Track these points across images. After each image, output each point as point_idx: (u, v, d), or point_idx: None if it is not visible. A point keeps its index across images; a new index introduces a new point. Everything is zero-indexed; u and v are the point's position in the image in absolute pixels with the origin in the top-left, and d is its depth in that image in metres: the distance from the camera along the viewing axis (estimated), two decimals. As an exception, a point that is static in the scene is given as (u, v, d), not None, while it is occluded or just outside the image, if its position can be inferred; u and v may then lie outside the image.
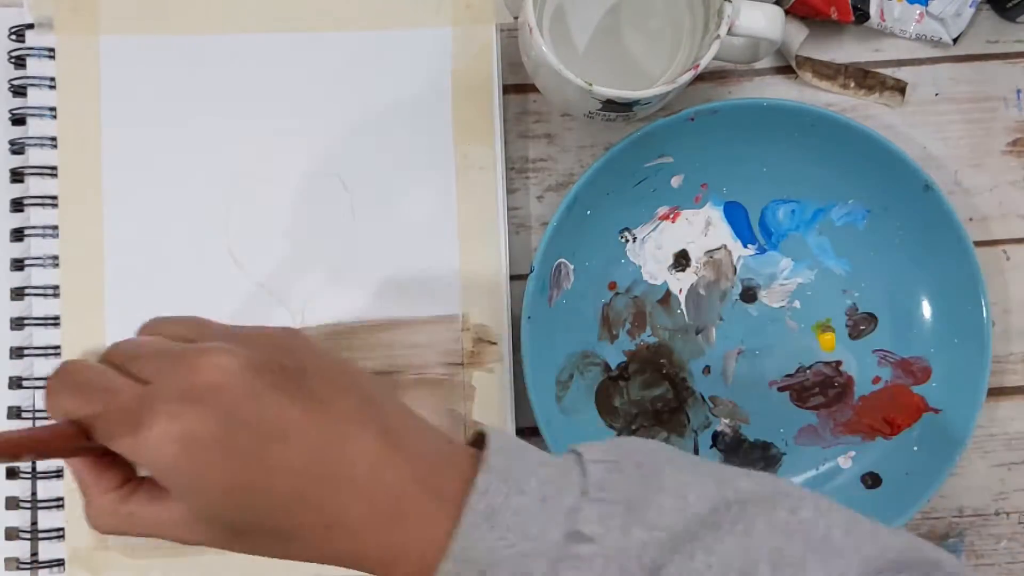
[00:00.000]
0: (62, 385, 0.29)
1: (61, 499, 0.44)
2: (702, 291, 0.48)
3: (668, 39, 0.46)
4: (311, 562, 0.30)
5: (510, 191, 0.48)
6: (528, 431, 0.45)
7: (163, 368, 0.29)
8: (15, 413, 0.45)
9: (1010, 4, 0.48)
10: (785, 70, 0.49)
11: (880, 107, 0.49)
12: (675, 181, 0.47)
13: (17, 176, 0.45)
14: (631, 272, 0.48)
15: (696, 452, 0.48)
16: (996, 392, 0.49)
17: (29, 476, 0.44)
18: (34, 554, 0.44)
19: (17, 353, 0.45)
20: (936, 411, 0.47)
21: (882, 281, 0.48)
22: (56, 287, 0.45)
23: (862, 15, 0.47)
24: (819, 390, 0.48)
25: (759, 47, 0.44)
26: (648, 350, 0.48)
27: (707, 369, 0.48)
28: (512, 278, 0.46)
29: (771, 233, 0.48)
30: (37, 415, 0.45)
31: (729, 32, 0.41)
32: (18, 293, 0.45)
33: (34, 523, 0.44)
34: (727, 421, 0.48)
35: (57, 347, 0.45)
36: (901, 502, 0.46)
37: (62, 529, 0.44)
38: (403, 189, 0.46)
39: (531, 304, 0.44)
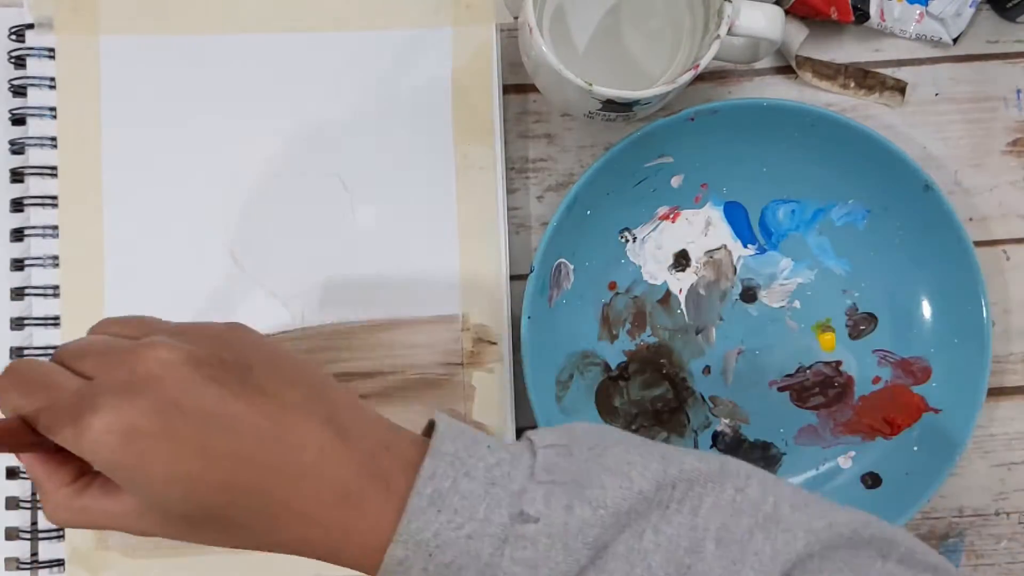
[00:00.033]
0: (10, 382, 0.30)
1: (61, 499, 0.44)
2: (702, 291, 0.48)
3: (668, 39, 0.46)
4: (261, 550, 0.30)
5: (510, 191, 0.48)
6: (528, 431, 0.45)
7: (105, 363, 0.29)
8: (15, 413, 0.45)
9: (1010, 4, 0.48)
10: (785, 70, 0.49)
11: (880, 107, 0.49)
12: (675, 181, 0.47)
13: (17, 176, 0.45)
14: (631, 272, 0.48)
15: (696, 452, 0.48)
16: (996, 392, 0.49)
17: (29, 476, 0.44)
18: (34, 554, 0.44)
19: (17, 353, 0.45)
20: (936, 411, 0.47)
21: (882, 281, 0.48)
22: (56, 287, 0.45)
23: (862, 15, 0.47)
24: (819, 390, 0.48)
25: (759, 47, 0.44)
26: (648, 350, 0.48)
27: (707, 369, 0.48)
28: (512, 278, 0.46)
29: (771, 233, 0.48)
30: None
31: (729, 32, 0.41)
32: (18, 293, 0.45)
33: (34, 523, 0.44)
34: (727, 421, 0.48)
35: (57, 347, 0.44)
36: (901, 502, 0.46)
37: (62, 529, 0.44)
38: (403, 189, 0.46)
39: (531, 304, 0.44)
